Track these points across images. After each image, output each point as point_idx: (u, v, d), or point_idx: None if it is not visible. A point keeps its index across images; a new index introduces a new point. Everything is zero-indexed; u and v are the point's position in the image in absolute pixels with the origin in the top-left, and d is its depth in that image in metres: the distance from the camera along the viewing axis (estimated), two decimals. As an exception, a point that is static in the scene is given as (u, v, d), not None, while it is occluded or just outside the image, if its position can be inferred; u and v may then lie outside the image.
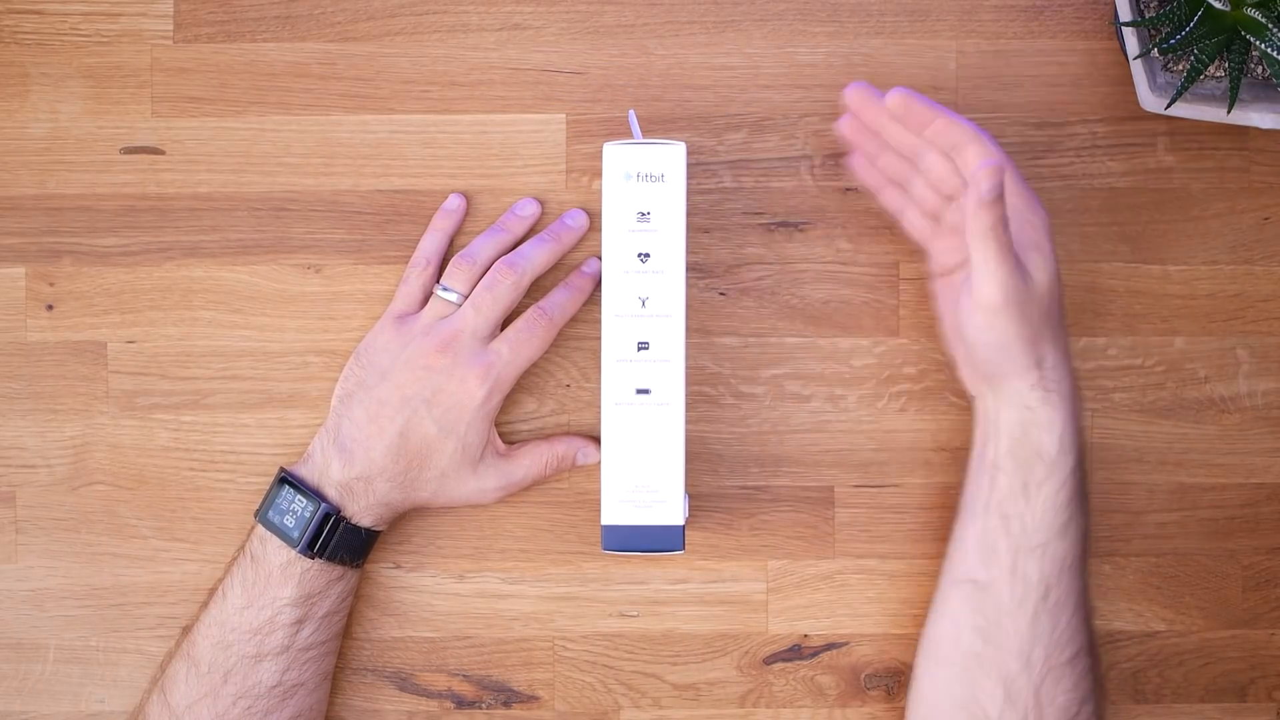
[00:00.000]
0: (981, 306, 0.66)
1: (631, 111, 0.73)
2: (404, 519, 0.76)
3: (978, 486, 0.70)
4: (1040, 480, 0.67)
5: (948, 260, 0.71)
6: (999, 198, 0.62)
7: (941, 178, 0.70)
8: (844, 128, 0.72)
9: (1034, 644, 0.67)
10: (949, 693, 0.69)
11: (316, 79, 0.76)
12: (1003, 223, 0.63)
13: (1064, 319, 0.70)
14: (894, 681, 0.76)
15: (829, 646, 0.76)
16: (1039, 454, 0.67)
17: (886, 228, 0.76)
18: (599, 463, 0.74)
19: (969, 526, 0.70)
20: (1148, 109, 0.72)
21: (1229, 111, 0.69)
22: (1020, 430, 0.68)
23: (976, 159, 0.67)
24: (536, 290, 0.74)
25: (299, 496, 0.71)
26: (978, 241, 0.64)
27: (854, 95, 0.71)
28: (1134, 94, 0.75)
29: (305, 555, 0.70)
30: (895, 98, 0.68)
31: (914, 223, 0.72)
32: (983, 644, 0.68)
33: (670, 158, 0.68)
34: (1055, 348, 0.68)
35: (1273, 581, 0.76)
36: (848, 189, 0.76)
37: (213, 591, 0.72)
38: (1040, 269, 0.67)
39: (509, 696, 0.76)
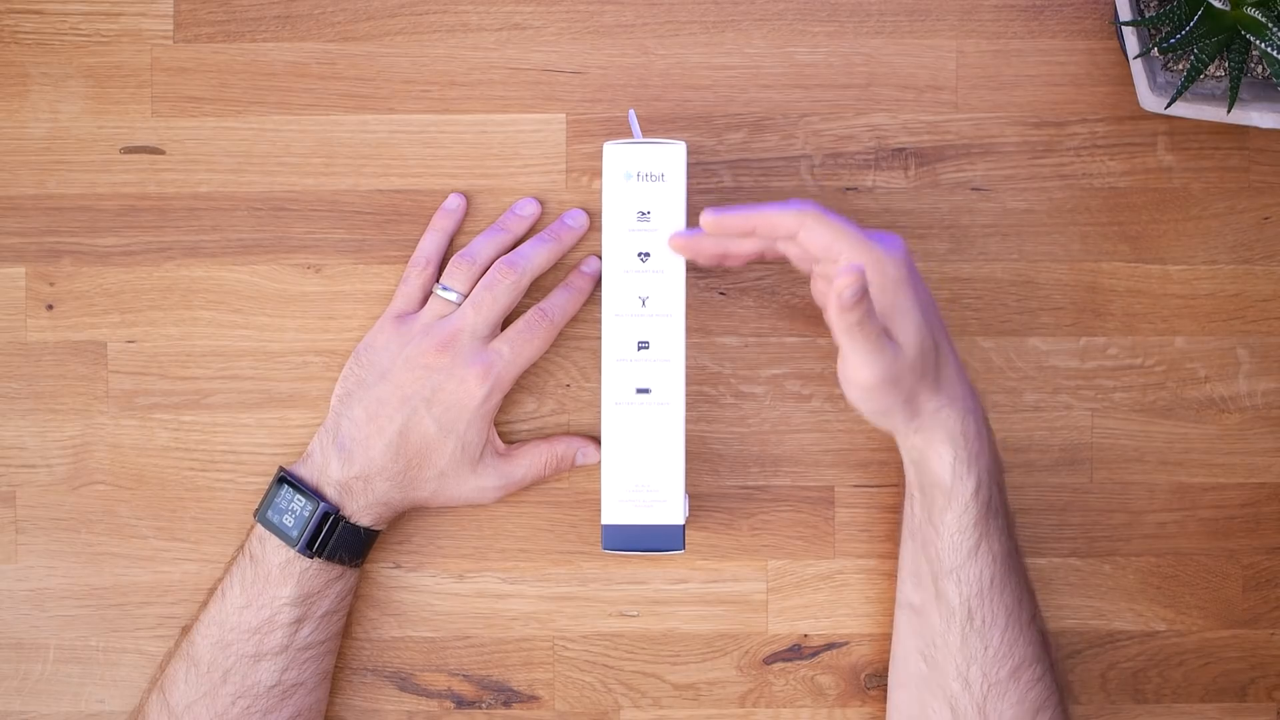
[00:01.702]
0: (855, 385, 0.65)
1: (631, 111, 0.73)
2: (404, 519, 0.76)
3: (905, 511, 0.71)
4: (941, 508, 0.68)
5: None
6: (860, 298, 0.61)
7: (799, 258, 0.69)
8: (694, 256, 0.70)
9: (969, 664, 0.68)
10: (907, 715, 0.71)
11: (316, 79, 0.76)
12: (866, 316, 0.62)
13: (945, 353, 0.68)
14: (894, 681, 0.76)
15: (829, 646, 0.76)
16: (935, 484, 0.68)
17: (887, 227, 0.76)
18: (599, 462, 0.74)
19: (904, 550, 0.71)
20: (1148, 109, 0.72)
21: (1229, 111, 0.69)
22: (914, 466, 0.69)
23: (824, 250, 0.65)
24: (536, 290, 0.74)
25: (298, 496, 0.71)
26: (843, 337, 0.63)
27: (708, 226, 0.68)
28: (1134, 94, 0.75)
29: (304, 554, 0.70)
30: (706, 222, 0.67)
31: (814, 291, 0.71)
32: (926, 666, 0.69)
33: (670, 157, 0.68)
34: (935, 390, 0.67)
35: (1273, 581, 0.76)
36: (848, 189, 0.76)
37: (212, 591, 0.72)
38: (907, 332, 0.65)
39: (509, 696, 0.76)
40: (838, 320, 0.62)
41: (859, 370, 0.64)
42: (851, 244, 0.65)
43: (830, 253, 0.65)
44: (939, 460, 0.67)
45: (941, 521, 0.68)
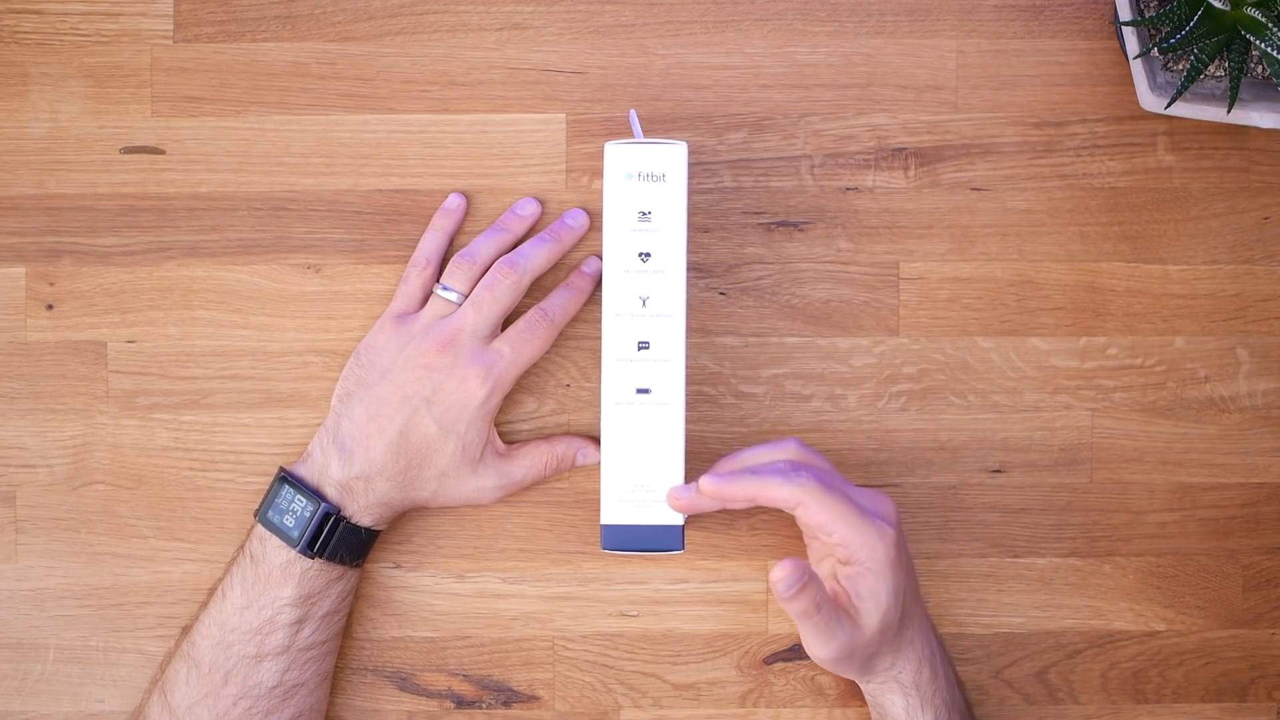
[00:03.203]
0: (811, 653, 0.67)
1: (632, 111, 0.73)
2: (404, 519, 0.76)
3: None
4: None
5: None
6: (799, 591, 0.63)
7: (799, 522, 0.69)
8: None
9: None
10: None
11: (316, 79, 0.76)
12: (813, 605, 0.64)
13: (911, 618, 0.70)
14: (894, 681, 0.76)
15: (829, 646, 0.76)
16: (892, 717, 0.70)
17: (887, 227, 0.76)
18: (599, 462, 0.74)
19: None
20: (1148, 109, 0.72)
21: (1229, 111, 0.69)
22: (873, 708, 0.72)
23: (818, 529, 0.67)
24: (537, 289, 0.74)
25: (299, 496, 0.71)
26: (796, 620, 0.65)
27: (707, 494, 0.68)
28: (1134, 94, 0.75)
29: (305, 555, 0.70)
30: (705, 489, 0.67)
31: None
32: None
33: (671, 157, 0.68)
34: (894, 653, 0.69)
35: (1273, 581, 0.76)
36: (848, 189, 0.76)
37: (212, 591, 0.72)
38: (871, 614, 0.66)
39: (509, 696, 0.76)
40: (786, 608, 0.64)
41: (813, 647, 0.66)
42: (846, 524, 0.66)
43: (825, 531, 0.66)
44: (892, 704, 0.70)
45: None
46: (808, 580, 0.63)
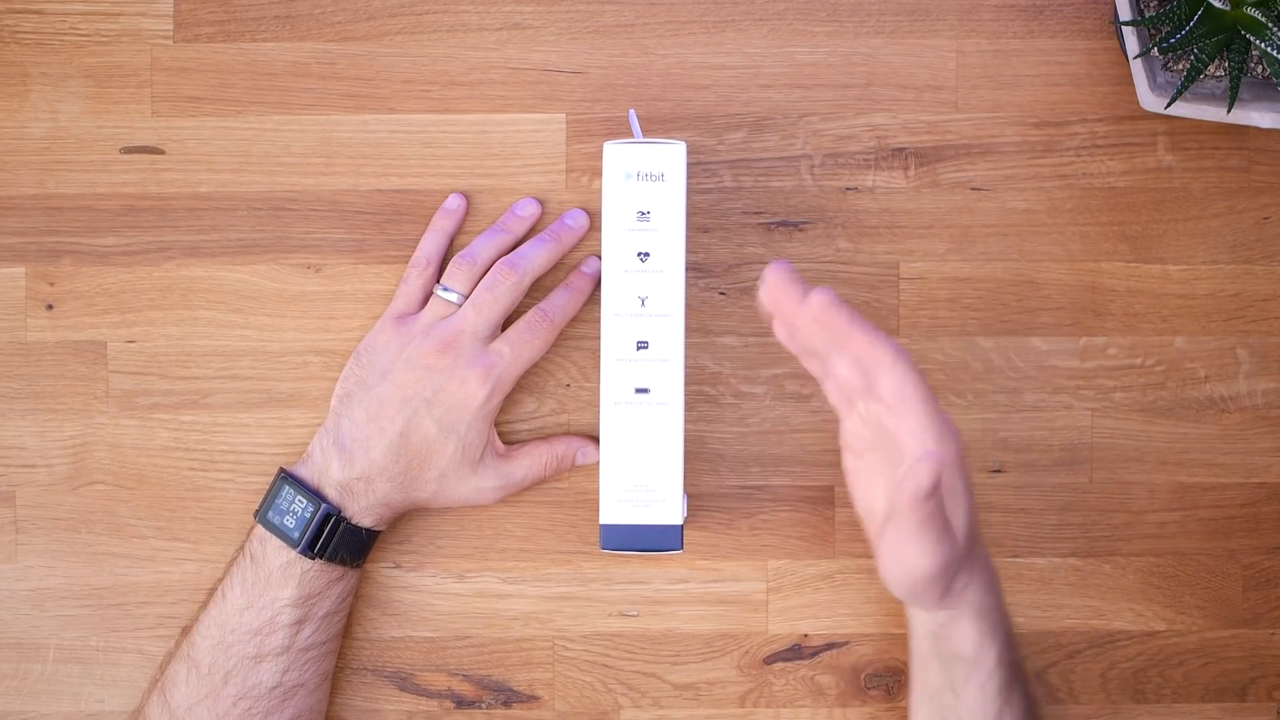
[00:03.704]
0: (909, 575, 0.63)
1: (632, 111, 0.73)
2: (404, 519, 0.76)
3: (917, 675, 0.69)
4: (964, 678, 0.66)
5: (858, 443, 0.67)
6: (937, 489, 0.59)
7: (852, 384, 0.65)
8: (763, 299, 0.65)
9: None
10: None
11: (316, 79, 0.76)
12: (939, 509, 0.60)
13: (978, 535, 0.66)
14: (894, 681, 0.76)
15: (829, 646, 0.76)
16: (957, 655, 0.66)
17: (887, 227, 0.76)
18: (598, 462, 0.74)
19: (917, 712, 0.69)
20: (1148, 108, 0.72)
21: (1229, 111, 0.69)
22: (934, 639, 0.67)
23: (895, 399, 0.62)
24: (537, 290, 0.74)
25: (299, 497, 0.71)
26: (907, 526, 0.61)
27: (774, 278, 0.64)
28: (1134, 93, 0.75)
29: (305, 556, 0.70)
30: (816, 304, 0.63)
31: (832, 393, 0.67)
32: None
33: (670, 157, 0.68)
34: (969, 568, 0.65)
35: (1273, 581, 0.76)
36: (848, 189, 0.76)
37: (212, 592, 0.72)
38: (960, 517, 0.64)
39: (509, 696, 0.76)
40: (909, 510, 0.59)
41: (919, 559, 0.62)
42: (926, 406, 0.62)
43: (903, 407, 0.62)
44: (963, 634, 0.66)
45: (965, 690, 0.66)
46: (940, 484, 0.59)
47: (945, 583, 0.64)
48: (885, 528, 0.64)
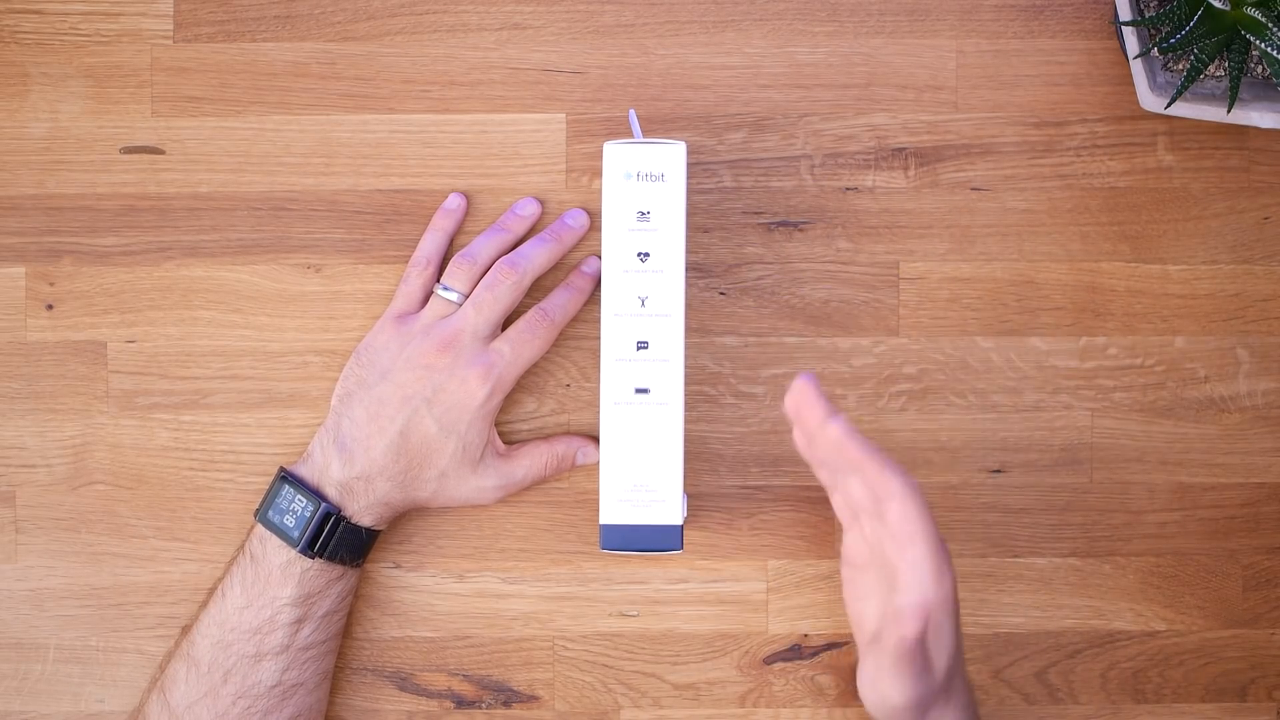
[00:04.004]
0: (882, 703, 0.64)
1: (632, 111, 0.73)
2: (404, 519, 0.76)
3: None
4: None
5: (858, 558, 0.68)
6: (922, 635, 0.60)
7: (861, 502, 0.65)
8: (788, 408, 0.66)
9: None
10: None
11: (316, 79, 0.76)
12: (920, 649, 0.61)
13: (960, 671, 0.66)
14: (894, 681, 0.76)
15: (829, 646, 0.76)
16: None
17: (887, 227, 0.76)
18: (598, 462, 0.74)
19: None
20: (1148, 109, 0.72)
21: (1229, 111, 0.69)
22: None
23: (900, 529, 0.63)
24: (537, 290, 0.74)
25: (299, 496, 0.71)
26: (889, 659, 0.62)
27: (799, 392, 0.65)
28: (1134, 94, 0.75)
29: (305, 555, 0.70)
30: (833, 434, 0.63)
31: (839, 506, 0.69)
32: None
33: (670, 157, 0.68)
34: (945, 702, 0.65)
35: (1273, 581, 0.76)
36: (848, 189, 0.76)
37: (212, 591, 0.72)
38: (942, 656, 0.64)
39: (509, 696, 0.76)
40: (896, 646, 0.60)
41: (893, 693, 0.62)
42: (929, 544, 0.62)
43: (906, 540, 0.63)
44: None
45: None
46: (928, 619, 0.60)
47: (919, 715, 0.65)
48: (868, 650, 0.65)
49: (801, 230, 0.76)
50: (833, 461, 0.65)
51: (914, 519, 0.63)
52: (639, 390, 0.69)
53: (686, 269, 0.71)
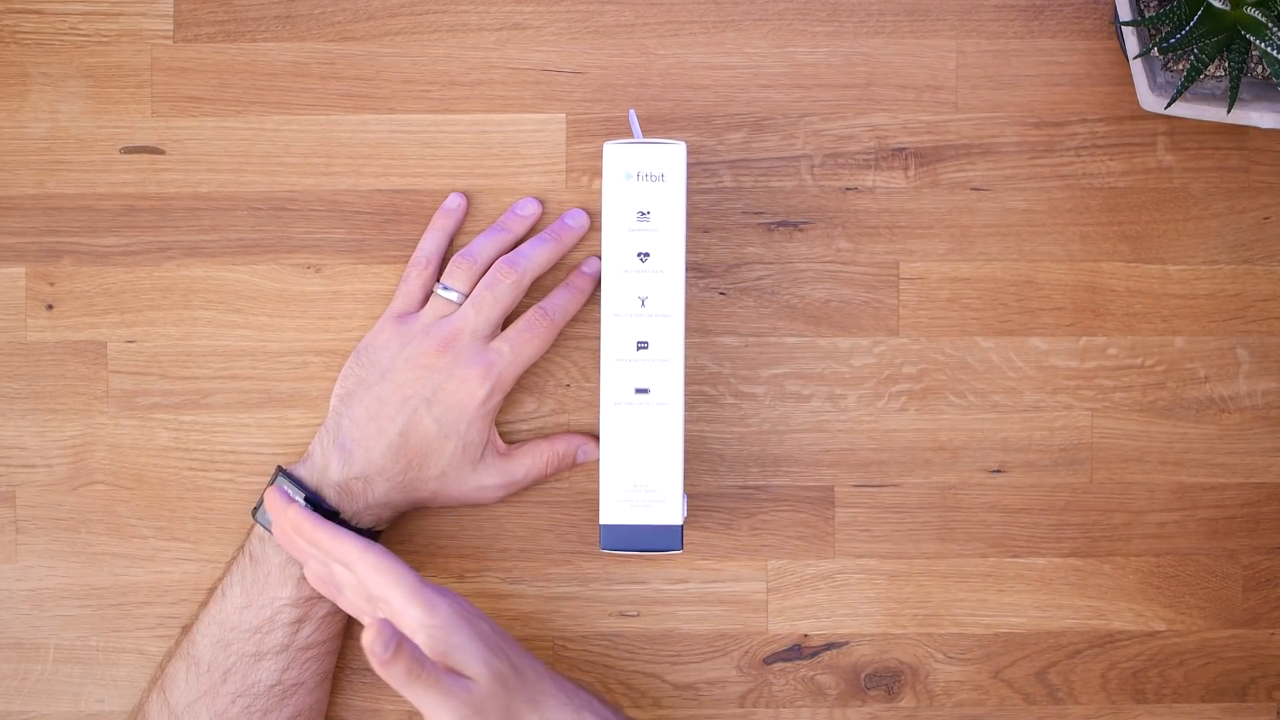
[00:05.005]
0: None
1: (632, 111, 0.73)
2: (404, 519, 0.76)
3: None
4: None
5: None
6: (397, 650, 0.59)
7: (356, 590, 0.67)
8: (280, 542, 0.70)
9: None
10: None
11: (316, 79, 0.76)
12: (415, 664, 0.60)
13: (532, 672, 0.66)
14: (894, 681, 0.76)
15: (829, 646, 0.76)
16: None
17: (887, 227, 0.76)
18: (598, 462, 0.74)
19: None
20: (1148, 109, 0.72)
21: (1229, 111, 0.69)
22: None
23: (370, 584, 0.65)
24: (537, 290, 0.74)
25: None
26: (402, 690, 0.61)
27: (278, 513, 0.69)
28: (1134, 94, 0.75)
29: (304, 555, 0.70)
30: (291, 519, 0.67)
31: (347, 603, 0.69)
32: None
33: (670, 157, 0.68)
34: (535, 707, 0.65)
35: (1273, 581, 0.76)
36: (848, 189, 0.76)
37: (212, 590, 0.72)
38: (473, 665, 0.63)
39: (509, 696, 0.76)
40: (384, 675, 0.60)
41: (436, 713, 0.62)
42: (405, 590, 0.64)
43: (383, 594, 0.64)
44: None
45: None
46: (400, 638, 0.59)
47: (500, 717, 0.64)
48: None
49: (801, 230, 0.76)
50: (299, 555, 0.69)
51: (378, 575, 0.65)
52: (639, 390, 0.69)
53: (686, 269, 0.71)
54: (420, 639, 0.64)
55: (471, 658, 0.64)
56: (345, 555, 0.66)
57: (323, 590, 0.69)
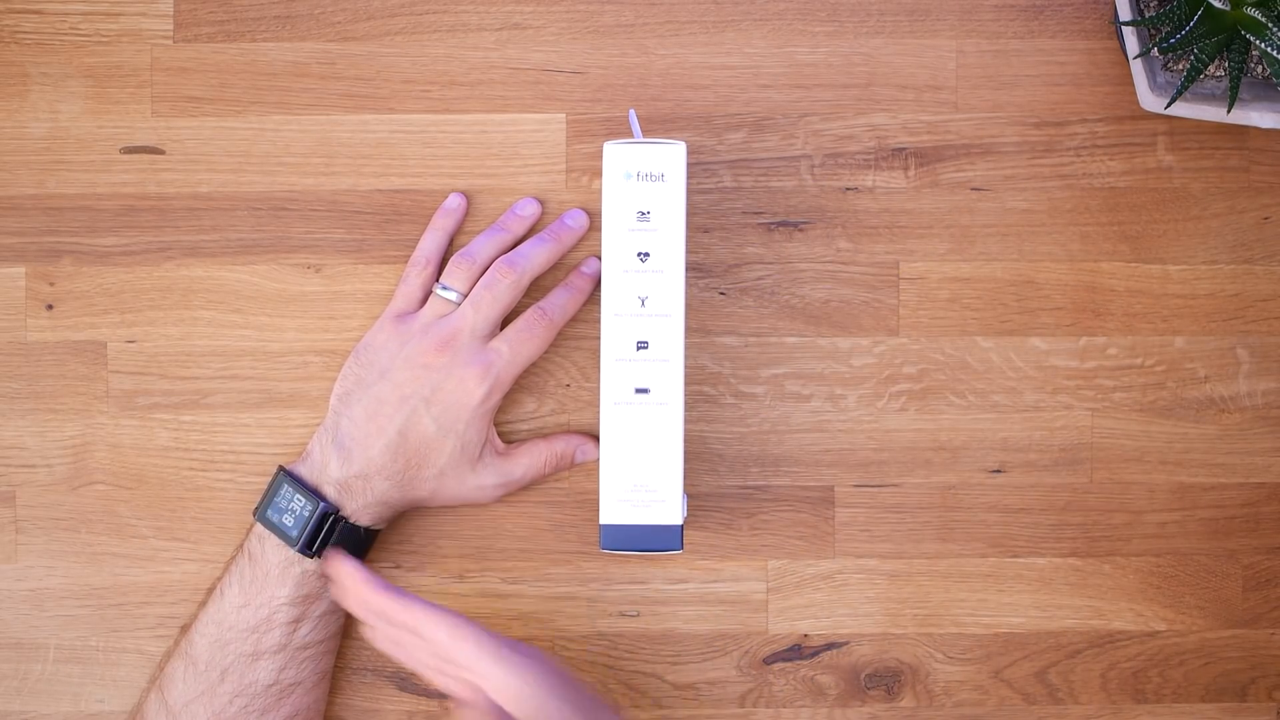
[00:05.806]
0: None
1: (632, 111, 0.73)
2: (404, 519, 0.76)
3: None
4: None
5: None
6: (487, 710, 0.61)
7: (422, 651, 0.68)
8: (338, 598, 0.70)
9: None
10: None
11: (316, 79, 0.76)
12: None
13: None
14: (894, 681, 0.76)
15: (829, 646, 0.76)
16: None
17: (887, 227, 0.76)
18: (598, 461, 0.74)
19: None
20: (1148, 109, 0.72)
21: (1229, 111, 0.69)
22: None
23: (455, 653, 0.65)
24: (536, 290, 0.74)
25: (298, 495, 0.71)
26: None
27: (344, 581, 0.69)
28: (1134, 94, 0.75)
29: (304, 554, 0.70)
30: (357, 590, 0.68)
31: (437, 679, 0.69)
32: None
33: (670, 157, 0.68)
34: None
35: (1273, 581, 0.76)
36: (848, 189, 0.76)
37: (211, 590, 0.72)
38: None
39: (509, 696, 0.76)
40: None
41: None
42: (490, 655, 0.64)
43: (466, 661, 0.65)
44: None
45: None
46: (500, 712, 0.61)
47: None
48: None
49: (801, 230, 0.76)
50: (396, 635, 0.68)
51: (460, 639, 0.65)
52: (639, 390, 0.69)
53: (686, 269, 0.71)
54: (510, 705, 0.64)
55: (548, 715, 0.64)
56: (414, 623, 0.66)
57: (389, 651, 0.68)
